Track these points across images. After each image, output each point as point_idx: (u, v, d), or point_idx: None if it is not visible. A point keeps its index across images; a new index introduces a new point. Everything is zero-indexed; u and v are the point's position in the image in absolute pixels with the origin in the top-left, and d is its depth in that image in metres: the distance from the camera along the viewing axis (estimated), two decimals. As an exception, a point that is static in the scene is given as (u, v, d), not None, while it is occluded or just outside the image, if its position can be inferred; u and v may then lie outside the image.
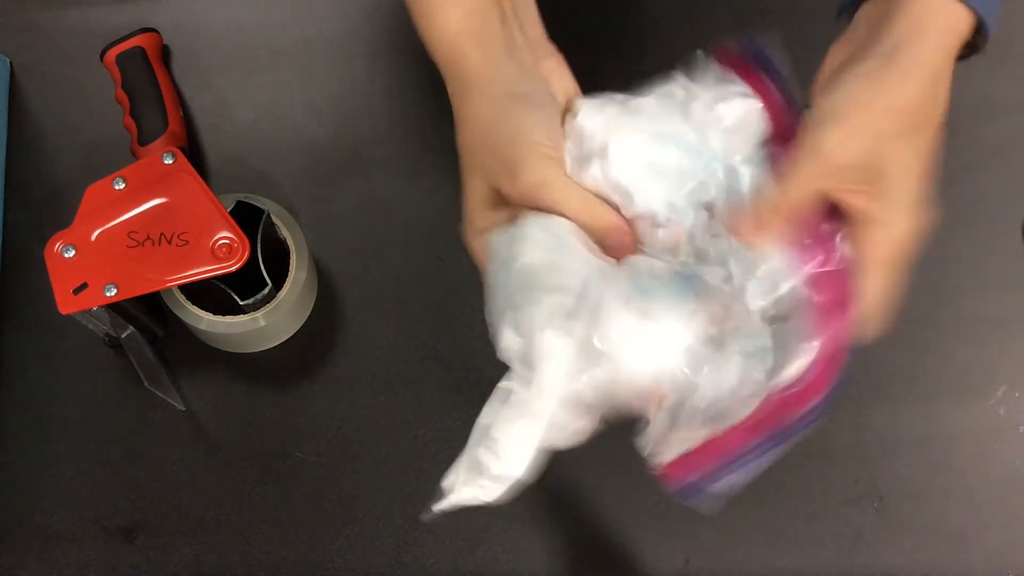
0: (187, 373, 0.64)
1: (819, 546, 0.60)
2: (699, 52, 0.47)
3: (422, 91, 0.70)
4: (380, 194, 0.68)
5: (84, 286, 0.57)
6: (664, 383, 0.42)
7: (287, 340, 0.65)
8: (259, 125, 0.69)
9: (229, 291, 0.59)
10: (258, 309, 0.60)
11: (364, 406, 0.63)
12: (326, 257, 0.66)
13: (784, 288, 0.43)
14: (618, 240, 0.44)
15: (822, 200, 0.43)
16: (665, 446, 0.44)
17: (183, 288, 0.60)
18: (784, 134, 0.45)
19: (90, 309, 0.57)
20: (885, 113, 0.42)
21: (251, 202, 0.61)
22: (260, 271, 0.60)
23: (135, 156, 0.66)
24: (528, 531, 0.61)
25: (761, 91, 0.46)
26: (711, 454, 0.43)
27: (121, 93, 0.67)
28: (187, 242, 0.58)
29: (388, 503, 0.61)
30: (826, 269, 0.43)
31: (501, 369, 0.45)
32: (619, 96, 0.47)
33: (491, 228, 0.46)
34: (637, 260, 0.45)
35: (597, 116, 0.46)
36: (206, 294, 0.60)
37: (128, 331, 0.61)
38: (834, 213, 0.44)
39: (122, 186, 0.59)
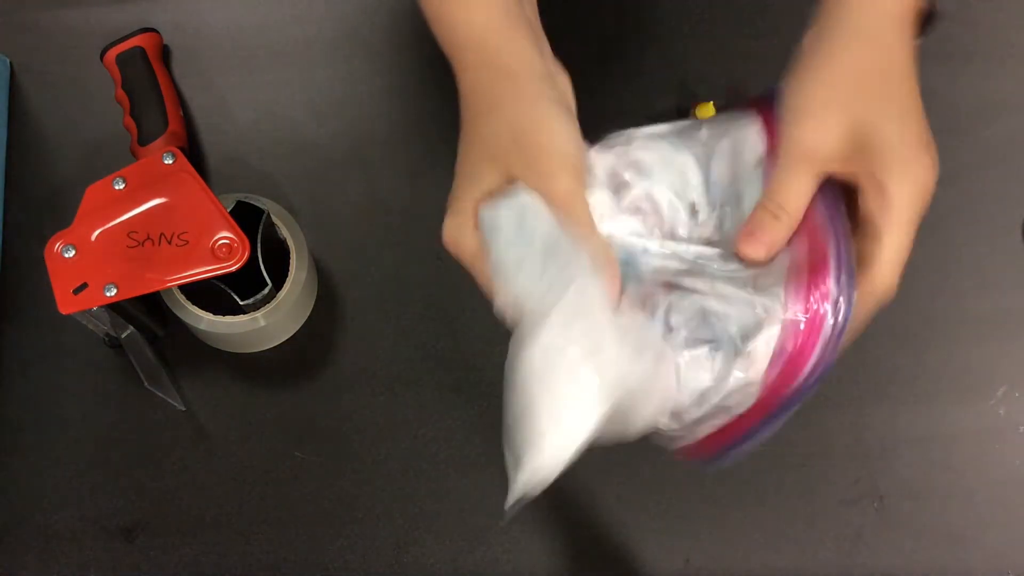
0: (187, 373, 0.64)
1: (819, 546, 0.60)
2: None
3: (422, 91, 0.70)
4: (380, 194, 0.68)
5: (84, 286, 0.57)
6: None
7: (287, 340, 0.65)
8: (259, 125, 0.69)
9: (229, 291, 0.59)
10: (258, 309, 0.60)
11: (364, 406, 0.63)
12: (326, 257, 0.66)
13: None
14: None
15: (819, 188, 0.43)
16: (679, 442, 0.44)
17: (183, 288, 0.60)
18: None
19: (90, 309, 0.57)
20: (843, 88, 0.43)
21: (251, 202, 0.61)
22: (260, 271, 0.60)
23: (135, 156, 0.66)
24: (528, 531, 0.61)
25: (761, 109, 0.46)
26: (724, 437, 0.43)
27: (121, 93, 0.67)
28: (187, 242, 0.58)
29: (388, 503, 0.61)
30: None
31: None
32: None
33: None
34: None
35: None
36: (206, 294, 0.60)
37: (128, 331, 0.61)
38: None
39: (122, 186, 0.59)
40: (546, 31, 0.50)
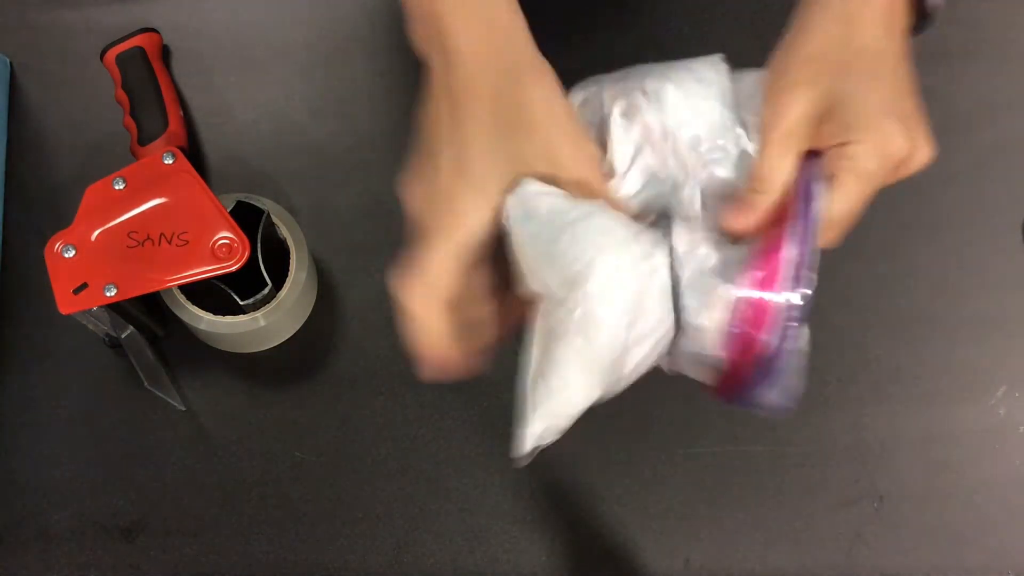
0: (187, 373, 0.64)
1: (819, 546, 0.60)
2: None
3: (422, 91, 0.70)
4: (380, 194, 0.68)
5: (84, 286, 0.57)
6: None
7: (287, 340, 0.65)
8: (259, 125, 0.70)
9: (229, 291, 0.59)
10: (258, 309, 0.60)
11: (364, 406, 0.63)
12: (326, 257, 0.66)
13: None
14: None
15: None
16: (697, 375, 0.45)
17: (183, 288, 0.60)
18: None
19: (90, 309, 0.57)
20: (815, 65, 0.43)
21: (251, 202, 0.61)
22: (260, 271, 0.60)
23: (135, 156, 0.66)
24: (528, 531, 0.61)
25: None
26: (734, 384, 0.43)
27: (121, 93, 0.67)
28: (187, 242, 0.58)
29: (388, 503, 0.61)
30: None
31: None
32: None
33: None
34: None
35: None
36: (206, 294, 0.60)
37: (128, 331, 0.61)
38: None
39: (122, 186, 0.59)
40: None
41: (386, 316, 0.65)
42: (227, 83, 0.71)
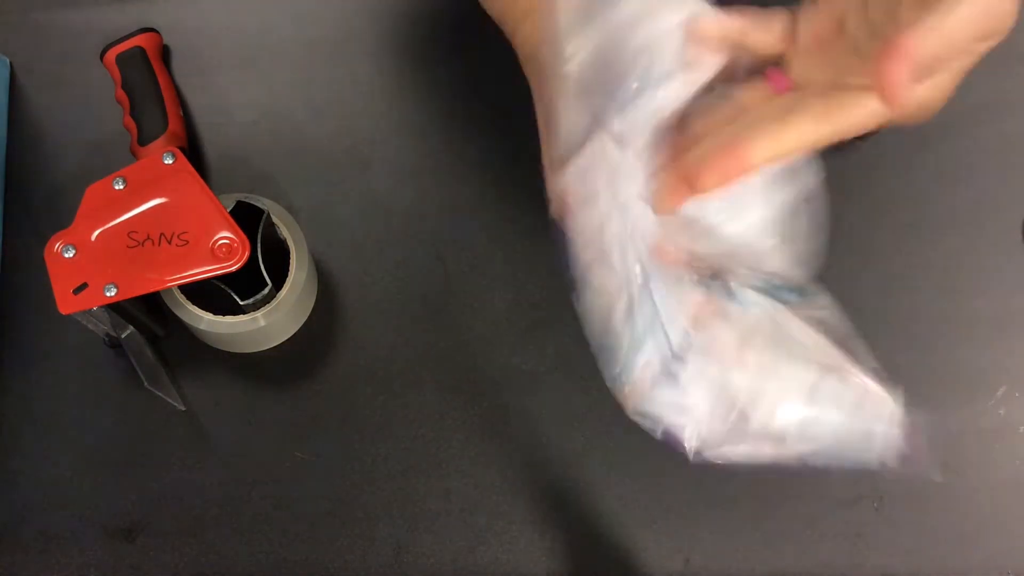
0: (187, 373, 0.64)
1: (819, 546, 0.60)
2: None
3: (422, 91, 0.70)
4: (380, 194, 0.68)
5: (84, 286, 0.57)
6: None
7: (287, 340, 0.65)
8: (259, 125, 0.70)
9: (229, 291, 0.59)
10: (258, 309, 0.60)
11: (364, 406, 0.63)
12: (326, 257, 0.66)
13: None
14: None
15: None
16: None
17: (183, 288, 0.60)
18: None
19: (90, 309, 0.57)
20: None
21: (251, 202, 0.61)
22: (260, 271, 0.60)
23: (135, 156, 0.66)
24: (528, 531, 0.61)
25: None
26: None
27: (121, 93, 0.67)
28: (187, 242, 0.58)
29: (388, 503, 0.61)
30: None
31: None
32: None
33: None
34: None
35: None
36: (206, 294, 0.60)
37: (128, 331, 0.61)
38: None
39: (122, 186, 0.59)
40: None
41: (386, 316, 0.65)
42: (227, 83, 0.71)
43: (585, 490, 0.61)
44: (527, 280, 0.65)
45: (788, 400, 0.43)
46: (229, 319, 0.60)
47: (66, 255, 0.57)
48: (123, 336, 0.61)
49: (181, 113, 0.68)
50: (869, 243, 0.65)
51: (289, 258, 0.62)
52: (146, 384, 0.61)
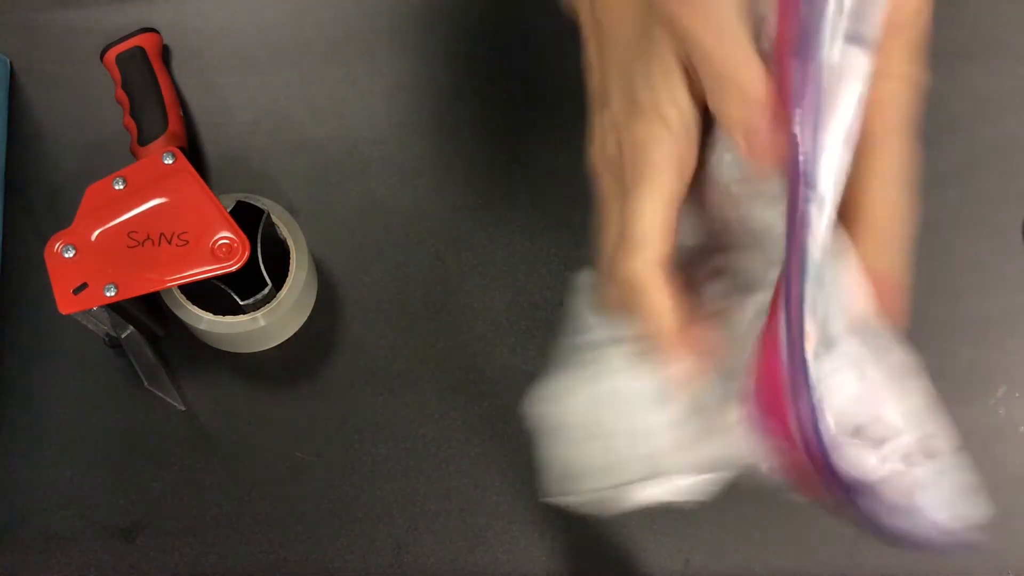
0: (187, 373, 0.64)
1: (819, 546, 0.60)
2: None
3: (422, 91, 0.70)
4: (380, 194, 0.68)
5: (84, 286, 0.57)
6: None
7: (287, 340, 0.65)
8: (259, 125, 0.69)
9: (229, 291, 0.59)
10: (258, 309, 0.60)
11: (364, 406, 0.63)
12: (326, 257, 0.66)
13: None
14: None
15: None
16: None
17: (183, 288, 0.60)
18: None
19: (90, 309, 0.57)
20: None
21: (251, 202, 0.61)
22: (260, 271, 0.60)
23: (135, 156, 0.66)
24: (528, 531, 0.61)
25: None
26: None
27: (121, 93, 0.67)
28: (187, 242, 0.58)
29: (388, 503, 0.61)
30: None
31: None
32: None
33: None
34: None
35: None
36: (206, 294, 0.60)
37: (128, 331, 0.61)
38: None
39: (122, 186, 0.59)
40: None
41: (386, 316, 0.65)
42: (227, 83, 0.71)
43: (585, 490, 0.61)
44: (527, 280, 0.65)
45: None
46: (229, 319, 0.60)
47: (66, 255, 0.57)
48: (123, 336, 0.61)
49: (181, 113, 0.68)
50: (869, 243, 0.65)
51: (289, 258, 0.62)
52: (146, 384, 0.61)
